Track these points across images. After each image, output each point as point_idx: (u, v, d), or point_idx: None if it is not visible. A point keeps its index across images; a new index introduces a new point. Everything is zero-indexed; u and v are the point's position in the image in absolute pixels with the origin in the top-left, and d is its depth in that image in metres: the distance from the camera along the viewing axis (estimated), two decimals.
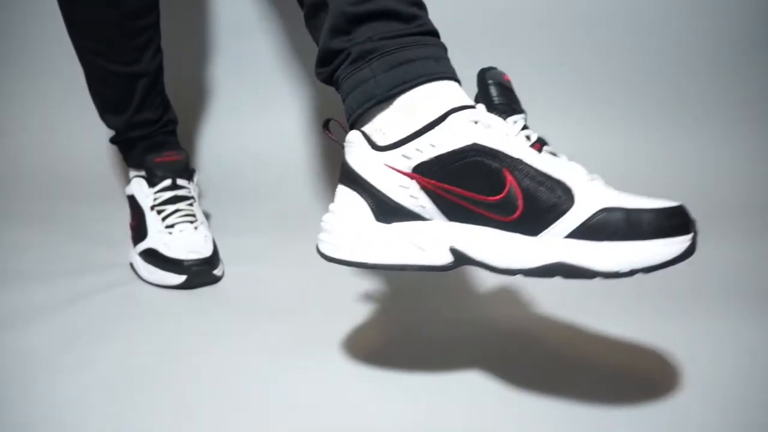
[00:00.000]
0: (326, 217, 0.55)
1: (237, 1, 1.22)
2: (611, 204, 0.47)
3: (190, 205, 0.85)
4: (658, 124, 1.22)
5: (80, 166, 1.23)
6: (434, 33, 0.57)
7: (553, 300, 0.73)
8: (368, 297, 0.75)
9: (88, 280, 0.78)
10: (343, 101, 0.56)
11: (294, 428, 0.51)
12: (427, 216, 0.52)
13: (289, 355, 0.62)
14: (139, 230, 0.84)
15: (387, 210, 0.52)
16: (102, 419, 0.52)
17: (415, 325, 0.69)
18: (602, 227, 0.46)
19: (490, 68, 0.53)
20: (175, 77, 1.00)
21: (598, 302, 0.74)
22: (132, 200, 0.87)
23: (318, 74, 0.58)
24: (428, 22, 0.56)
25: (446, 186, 0.50)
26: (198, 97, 1.27)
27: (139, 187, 0.86)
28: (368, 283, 0.78)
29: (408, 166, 0.51)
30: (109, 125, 0.92)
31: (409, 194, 0.51)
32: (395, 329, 0.68)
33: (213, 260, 0.79)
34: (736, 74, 1.20)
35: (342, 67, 0.55)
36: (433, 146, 0.50)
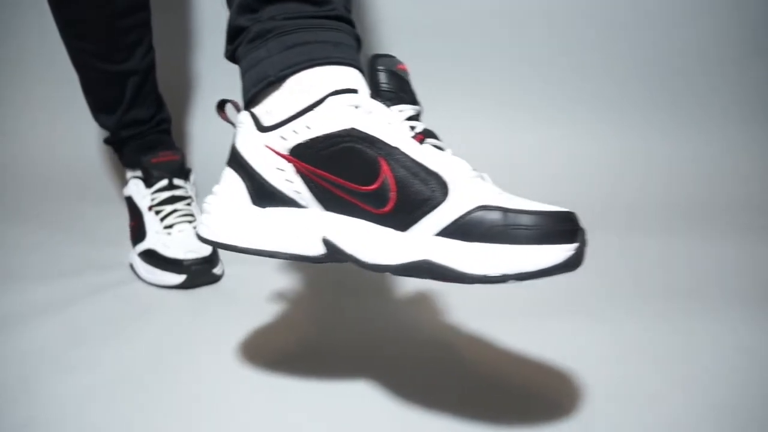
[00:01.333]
0: (208, 198, 0.53)
1: None
2: (489, 202, 0.43)
3: (188, 204, 0.85)
4: (658, 124, 1.22)
5: (81, 166, 1.23)
6: (344, 19, 0.54)
7: (487, 305, 0.71)
8: (282, 296, 0.75)
9: (89, 280, 0.78)
10: (242, 81, 0.54)
11: (296, 429, 0.51)
12: (303, 203, 0.49)
13: (293, 355, 0.62)
14: (137, 231, 0.84)
15: (264, 194, 0.50)
16: (102, 419, 0.52)
17: (330, 328, 0.69)
18: (475, 226, 0.42)
19: (385, 55, 0.50)
20: (166, 75, 1.00)
21: (597, 301, 0.74)
22: (129, 201, 0.87)
23: (225, 52, 0.56)
24: (339, 8, 0.53)
25: (320, 171, 0.47)
26: (189, 94, 1.27)
27: (136, 188, 0.86)
28: (366, 280, 0.78)
29: (285, 147, 0.49)
30: (101, 125, 0.92)
31: (285, 178, 0.49)
32: (305, 332, 0.68)
33: (212, 259, 0.79)
34: (736, 74, 1.20)
35: (242, 45, 0.53)
36: (309, 128, 0.47)
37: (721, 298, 0.75)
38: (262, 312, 0.71)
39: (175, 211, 0.83)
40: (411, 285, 0.77)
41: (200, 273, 0.77)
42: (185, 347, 0.64)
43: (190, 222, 0.82)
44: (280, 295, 0.76)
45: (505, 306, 0.73)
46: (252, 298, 0.75)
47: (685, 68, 1.21)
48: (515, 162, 1.20)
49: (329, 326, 0.69)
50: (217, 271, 0.79)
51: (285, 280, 0.79)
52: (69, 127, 1.29)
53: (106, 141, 0.93)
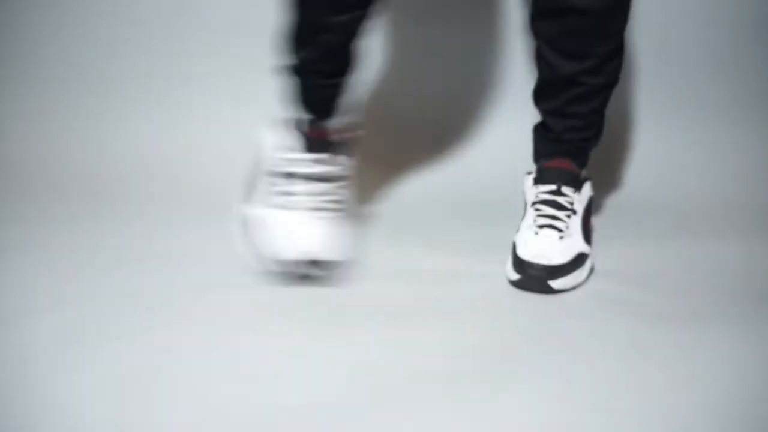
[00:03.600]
0: None
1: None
2: None
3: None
4: (659, 124, 1.22)
5: (81, 166, 1.23)
6: None
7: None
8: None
9: (89, 280, 0.78)
10: None
11: (295, 429, 0.51)
12: None
13: (295, 355, 0.62)
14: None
15: None
16: (102, 419, 0.52)
17: None
18: None
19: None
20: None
21: (598, 300, 0.74)
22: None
23: None
24: None
25: None
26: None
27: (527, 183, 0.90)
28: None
29: None
30: None
31: None
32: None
33: (552, 274, 0.75)
34: (737, 73, 1.20)
35: None
36: None
37: (723, 298, 0.75)
38: (263, 312, 0.71)
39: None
40: None
41: (534, 280, 0.76)
42: (185, 347, 0.64)
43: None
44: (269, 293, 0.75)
45: (506, 305, 0.73)
46: (253, 298, 0.75)
47: (685, 67, 1.21)
48: (519, 162, 1.20)
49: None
50: (553, 284, 0.76)
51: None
52: (69, 127, 1.29)
53: None
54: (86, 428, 0.51)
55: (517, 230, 0.83)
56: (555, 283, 0.75)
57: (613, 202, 1.11)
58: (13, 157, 1.27)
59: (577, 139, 0.89)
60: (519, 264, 0.77)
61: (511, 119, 1.17)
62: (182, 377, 0.58)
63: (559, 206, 0.82)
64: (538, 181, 0.87)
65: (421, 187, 1.07)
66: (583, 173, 0.90)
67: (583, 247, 0.80)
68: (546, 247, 0.77)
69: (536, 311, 0.73)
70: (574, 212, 0.83)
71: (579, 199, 0.85)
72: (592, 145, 0.91)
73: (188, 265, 0.83)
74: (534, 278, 0.76)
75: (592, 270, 0.81)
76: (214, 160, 1.21)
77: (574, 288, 0.77)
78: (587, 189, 0.88)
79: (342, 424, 0.52)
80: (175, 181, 1.16)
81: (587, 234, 0.84)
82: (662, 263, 0.87)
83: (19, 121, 1.32)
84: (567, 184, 0.84)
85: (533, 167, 0.93)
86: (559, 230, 0.80)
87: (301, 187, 0.80)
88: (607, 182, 1.15)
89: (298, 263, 0.75)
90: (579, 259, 0.79)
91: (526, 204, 0.87)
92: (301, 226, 0.78)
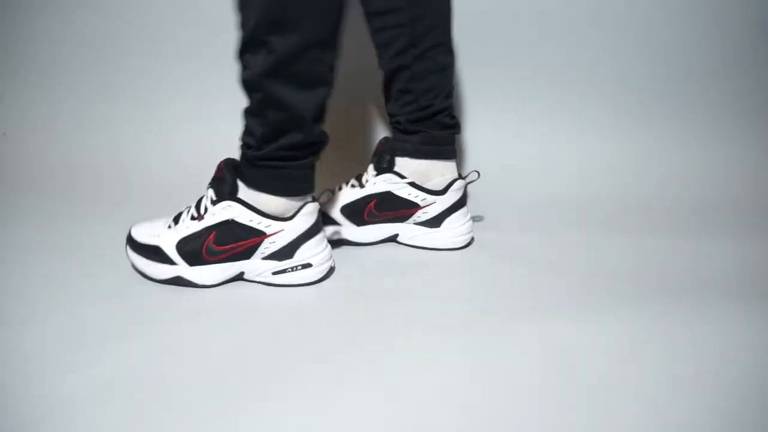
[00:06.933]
0: None
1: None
2: None
3: None
4: (658, 124, 1.22)
5: (81, 165, 1.23)
6: None
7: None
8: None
9: (90, 280, 0.78)
10: None
11: (293, 429, 0.51)
12: None
13: (285, 355, 0.62)
14: None
15: None
16: (102, 419, 0.52)
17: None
18: None
19: None
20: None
21: (600, 300, 0.74)
22: None
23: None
24: None
25: None
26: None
27: None
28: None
29: None
30: None
31: None
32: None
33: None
34: (737, 73, 1.20)
35: None
36: None
37: (724, 299, 0.75)
38: (263, 312, 0.71)
39: None
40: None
41: None
42: (185, 347, 0.64)
43: None
44: (274, 296, 0.76)
45: (507, 305, 0.73)
46: (248, 299, 0.75)
47: (686, 67, 1.21)
48: (522, 163, 1.20)
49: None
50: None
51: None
52: (69, 126, 1.29)
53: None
54: (86, 428, 0.51)
55: None
56: (128, 251, 0.79)
57: (616, 201, 1.11)
58: (15, 158, 1.27)
59: (243, 142, 0.78)
60: None
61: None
62: (183, 377, 0.58)
63: (198, 205, 0.78)
64: None
65: None
66: (243, 193, 0.77)
67: (168, 248, 0.77)
68: (155, 221, 0.81)
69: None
70: (198, 218, 0.77)
71: (212, 210, 0.77)
72: (252, 156, 0.76)
73: None
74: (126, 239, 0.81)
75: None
76: (216, 160, 1.21)
77: (141, 272, 0.78)
78: (229, 208, 0.76)
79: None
80: (178, 181, 1.16)
81: (194, 251, 0.76)
82: (664, 263, 0.87)
83: (20, 122, 1.32)
84: (212, 186, 0.78)
85: None
86: (176, 220, 0.79)
87: None
88: (610, 182, 1.15)
89: None
90: (150, 250, 0.77)
91: None
92: None
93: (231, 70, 0.75)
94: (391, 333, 0.67)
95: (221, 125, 1.25)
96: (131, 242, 0.79)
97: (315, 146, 0.77)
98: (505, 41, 1.21)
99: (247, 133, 0.76)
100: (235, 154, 0.79)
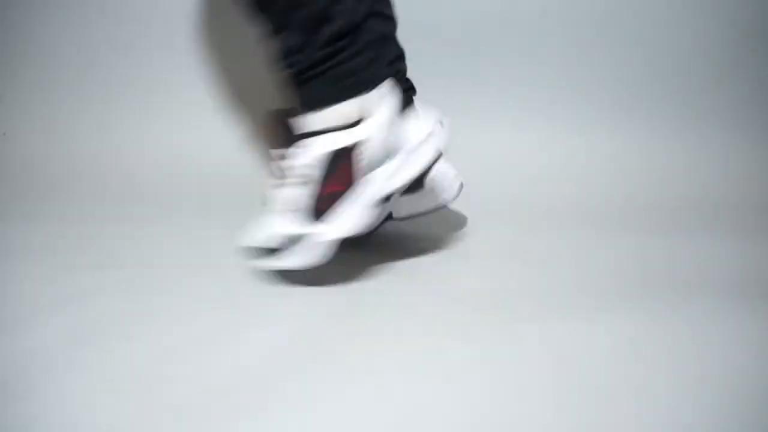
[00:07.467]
0: None
1: None
2: None
3: None
4: (659, 124, 1.22)
5: (81, 165, 1.23)
6: None
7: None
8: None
9: (90, 280, 0.78)
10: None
11: (293, 429, 0.51)
12: None
13: (297, 356, 0.62)
14: None
15: None
16: (102, 419, 0.52)
17: None
18: None
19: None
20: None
21: (601, 300, 0.74)
22: None
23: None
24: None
25: None
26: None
27: None
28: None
29: None
30: None
31: None
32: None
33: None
34: (737, 73, 1.20)
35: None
36: None
37: (725, 299, 0.75)
38: (263, 310, 0.71)
39: None
40: None
41: None
42: (185, 348, 0.64)
43: None
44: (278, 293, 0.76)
45: (508, 304, 0.73)
46: (249, 296, 0.75)
47: (686, 67, 1.21)
48: (519, 161, 1.20)
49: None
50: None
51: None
52: (69, 126, 1.29)
53: None
54: (86, 428, 0.51)
55: None
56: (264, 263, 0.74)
57: (617, 201, 1.11)
58: (15, 158, 1.27)
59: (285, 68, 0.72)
60: None
61: None
62: (183, 377, 0.58)
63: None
64: None
65: None
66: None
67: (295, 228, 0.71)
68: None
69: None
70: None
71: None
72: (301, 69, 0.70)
73: (193, 265, 0.83)
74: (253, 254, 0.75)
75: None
76: (219, 160, 1.21)
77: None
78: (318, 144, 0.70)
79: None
80: (180, 181, 1.16)
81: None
82: (666, 263, 0.87)
83: (20, 122, 1.32)
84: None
85: None
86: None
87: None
88: (611, 182, 1.16)
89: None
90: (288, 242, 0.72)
91: None
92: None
93: (232, 69, 0.75)
94: (388, 331, 0.67)
95: (222, 125, 1.25)
96: (258, 251, 0.74)
97: (356, 25, 0.69)
98: (506, 41, 1.21)
99: (286, 55, 0.69)
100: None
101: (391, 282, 0.80)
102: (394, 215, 0.87)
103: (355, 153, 0.69)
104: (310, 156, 0.69)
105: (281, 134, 0.72)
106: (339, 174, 0.69)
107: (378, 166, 0.70)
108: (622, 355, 0.62)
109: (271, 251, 0.72)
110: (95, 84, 1.31)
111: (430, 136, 0.73)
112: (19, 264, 0.83)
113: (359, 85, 0.69)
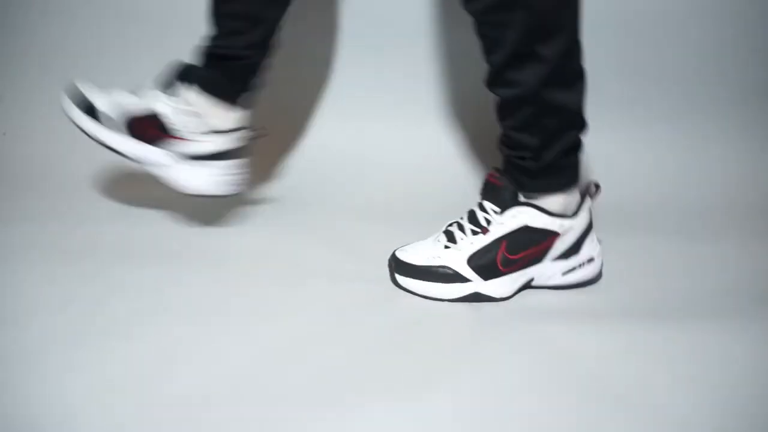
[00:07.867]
0: None
1: None
2: None
3: None
4: (659, 124, 1.22)
5: (81, 165, 1.23)
6: None
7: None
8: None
9: (90, 280, 0.78)
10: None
11: (292, 428, 0.51)
12: None
13: (291, 353, 0.62)
14: None
15: None
16: (103, 419, 0.52)
17: None
18: None
19: None
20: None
21: (601, 300, 0.74)
22: None
23: None
24: None
25: None
26: None
27: None
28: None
29: None
30: None
31: None
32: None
33: (404, 267, 0.77)
34: (738, 73, 1.20)
35: None
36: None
37: (727, 298, 0.75)
38: (264, 308, 0.71)
39: None
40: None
41: (389, 268, 0.80)
42: (186, 348, 0.64)
43: None
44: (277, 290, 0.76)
45: (510, 305, 0.73)
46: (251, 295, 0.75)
47: (687, 67, 1.21)
48: None
49: None
50: (398, 278, 0.77)
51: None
52: (69, 126, 1.29)
53: None
54: (86, 428, 0.51)
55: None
56: (400, 279, 0.76)
57: (618, 202, 1.11)
58: (15, 158, 1.27)
59: (512, 156, 0.77)
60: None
61: None
62: (183, 378, 0.58)
63: (472, 218, 0.77)
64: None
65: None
66: (524, 197, 0.76)
67: (459, 266, 0.74)
68: (420, 244, 0.78)
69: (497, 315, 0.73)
70: (483, 231, 0.75)
71: (500, 220, 0.75)
72: (532, 166, 0.75)
73: (193, 264, 0.83)
74: (389, 266, 0.79)
75: (478, 302, 0.74)
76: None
77: (425, 296, 0.74)
78: (520, 214, 0.75)
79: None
80: None
81: (488, 264, 0.74)
82: (667, 263, 0.87)
83: (20, 122, 1.32)
84: (488, 198, 0.77)
85: None
86: (450, 238, 0.76)
87: None
88: (605, 182, 1.15)
89: None
90: (437, 272, 0.75)
91: None
92: None
93: None
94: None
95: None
96: (404, 268, 0.76)
97: (582, 134, 0.77)
98: None
99: (515, 147, 0.75)
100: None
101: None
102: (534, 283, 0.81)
103: (554, 238, 0.76)
104: (510, 216, 0.75)
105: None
106: (528, 246, 0.75)
107: (560, 260, 0.77)
108: (624, 356, 0.62)
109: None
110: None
111: (597, 258, 0.80)
112: (19, 264, 0.82)
113: (571, 185, 0.77)
